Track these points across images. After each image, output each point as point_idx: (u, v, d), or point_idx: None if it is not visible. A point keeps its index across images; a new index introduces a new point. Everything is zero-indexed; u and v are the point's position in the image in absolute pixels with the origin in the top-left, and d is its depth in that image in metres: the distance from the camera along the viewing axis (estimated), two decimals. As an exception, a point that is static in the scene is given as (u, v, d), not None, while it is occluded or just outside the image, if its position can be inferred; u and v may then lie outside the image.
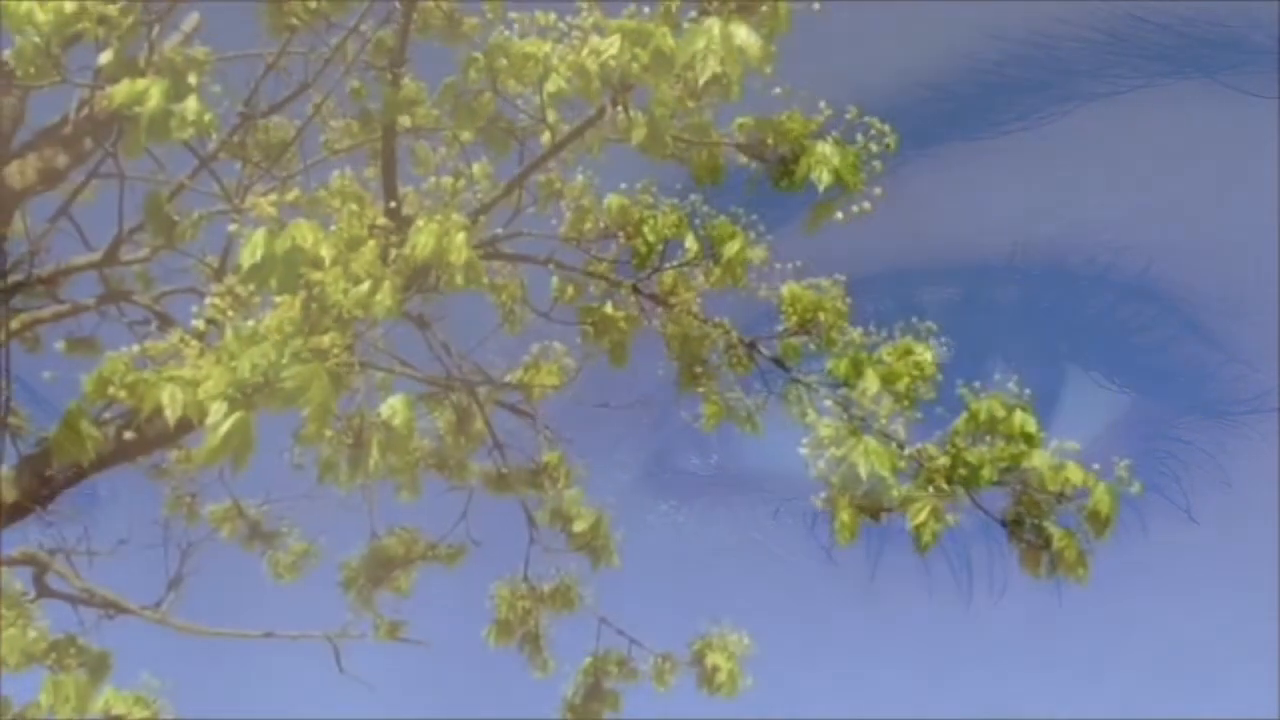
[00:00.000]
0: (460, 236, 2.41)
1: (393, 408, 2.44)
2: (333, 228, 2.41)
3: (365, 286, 2.32)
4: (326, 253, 2.30)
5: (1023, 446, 2.51)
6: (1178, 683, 4.06)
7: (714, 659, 3.17)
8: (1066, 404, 4.17)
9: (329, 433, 2.49)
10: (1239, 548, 4.06)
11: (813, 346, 2.72)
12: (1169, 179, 3.99)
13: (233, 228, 2.40)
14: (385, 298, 2.32)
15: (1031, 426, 2.52)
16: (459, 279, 2.41)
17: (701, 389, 2.80)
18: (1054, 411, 4.10)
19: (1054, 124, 3.91)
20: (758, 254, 2.69)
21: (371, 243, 2.39)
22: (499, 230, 2.79)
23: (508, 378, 3.17)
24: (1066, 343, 4.23)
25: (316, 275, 2.28)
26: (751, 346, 2.78)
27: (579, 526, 3.29)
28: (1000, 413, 2.53)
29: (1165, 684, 4.05)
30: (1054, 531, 2.51)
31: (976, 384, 2.57)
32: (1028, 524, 2.53)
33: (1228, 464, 4.16)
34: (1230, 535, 4.05)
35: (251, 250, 2.27)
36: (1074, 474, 2.49)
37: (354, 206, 2.49)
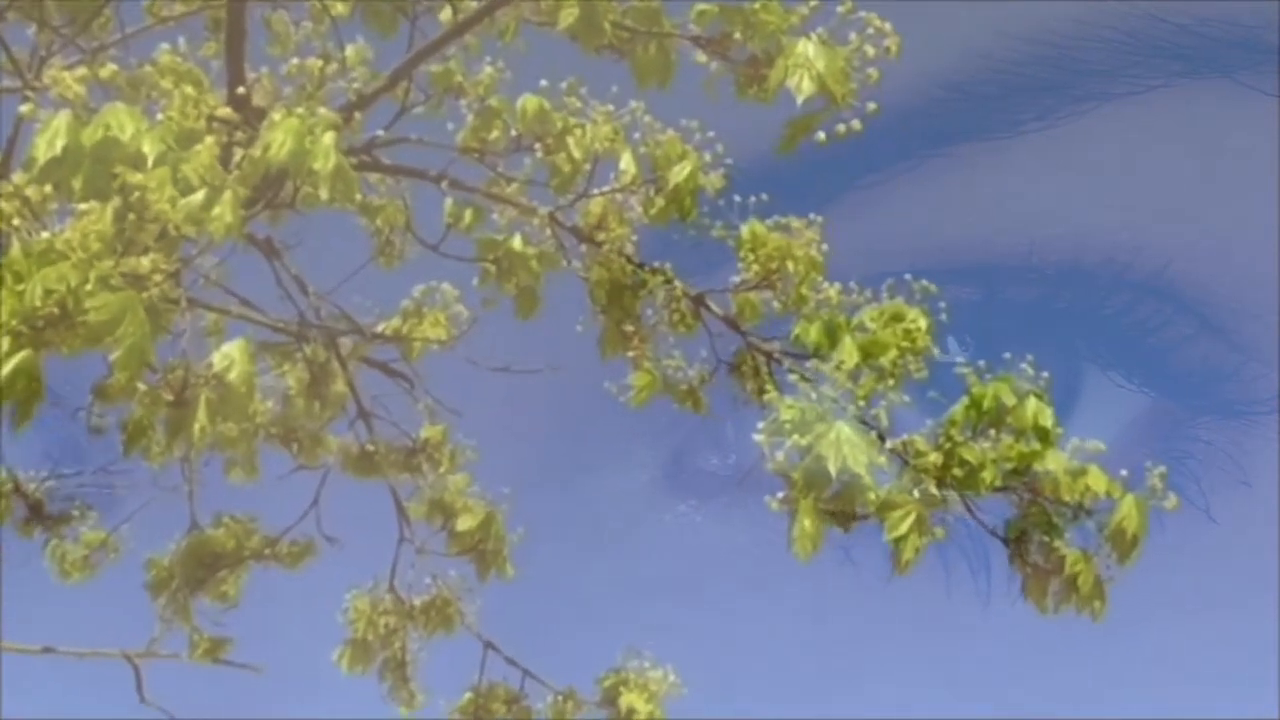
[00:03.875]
0: (327, 138, 2.39)
1: (227, 357, 2.43)
2: (159, 117, 2.39)
3: (199, 196, 2.30)
4: (149, 149, 2.27)
5: (1035, 444, 2.55)
6: (1183, 681, 4.69)
7: (630, 699, 3.21)
8: (1084, 404, 4.76)
9: (142, 386, 2.46)
10: (1249, 546, 4.67)
11: (777, 305, 2.74)
12: (1187, 178, 4.63)
13: (24, 109, 2.36)
14: (225, 213, 2.31)
15: (1047, 419, 2.56)
16: (323, 193, 2.39)
17: (632, 352, 2.80)
18: (1071, 412, 4.65)
19: (1071, 124, 4.55)
20: (713, 182, 2.70)
21: (209, 140, 2.38)
22: (378, 133, 2.77)
23: (380, 327, 3.16)
24: (1084, 342, 4.82)
25: (135, 177, 2.25)
26: (699, 301, 2.78)
27: (464, 523, 3.31)
28: (1009, 400, 2.57)
29: (1171, 682, 4.69)
30: (1067, 553, 2.56)
31: (981, 363, 2.61)
32: (1035, 542, 2.58)
33: (1246, 464, 4.79)
34: (1243, 534, 4.68)
35: (49, 140, 2.24)
36: (1096, 481, 2.54)
37: (188, 90, 2.46)
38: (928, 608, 4.50)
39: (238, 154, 2.44)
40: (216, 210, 2.31)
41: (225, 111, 2.48)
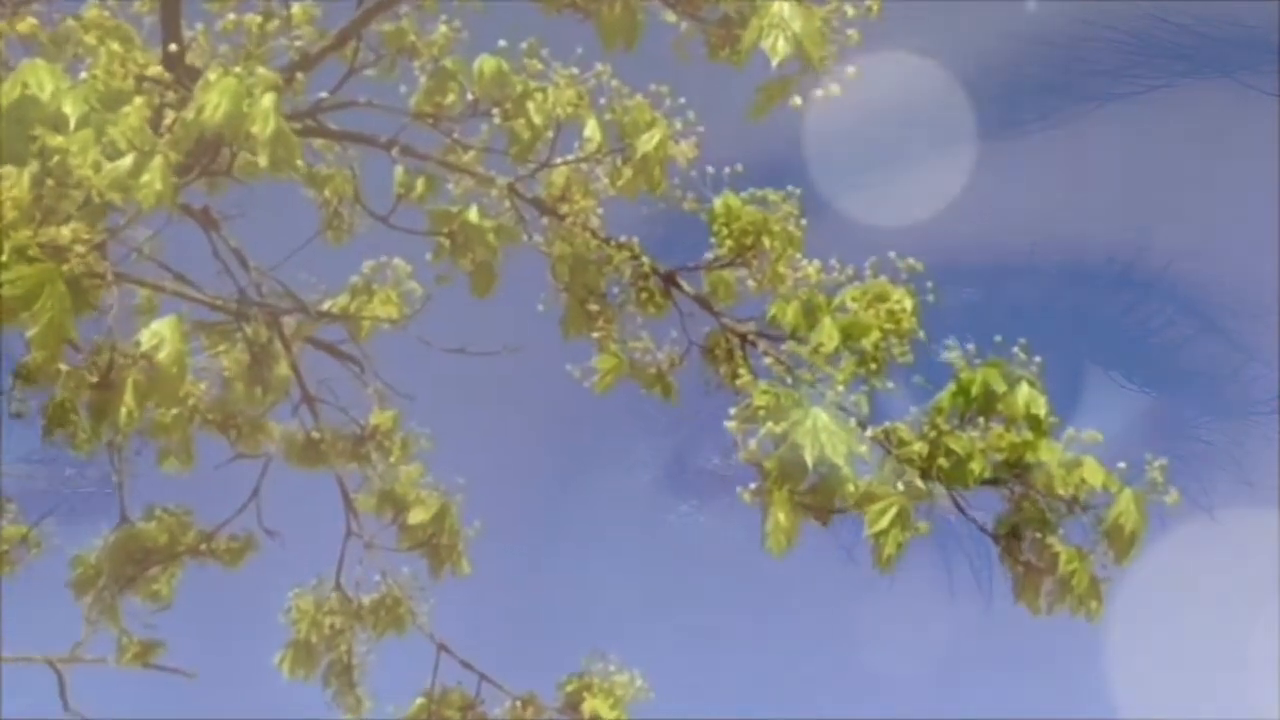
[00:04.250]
0: (266, 100, 2.34)
1: (156, 335, 2.36)
2: (83, 75, 2.34)
3: (127, 161, 2.26)
4: (71, 109, 2.23)
5: (1027, 434, 2.50)
6: (1183, 681, 4.87)
7: (593, 705, 3.18)
8: (1085, 404, 4.99)
9: (64, 366, 2.40)
10: (1250, 546, 4.82)
11: (752, 283, 2.70)
12: (1189, 178, 4.86)
13: (-65, 65, 2.29)
14: (155, 179, 2.26)
15: (1040, 407, 2.51)
16: (262, 159, 2.35)
17: (597, 333, 2.76)
18: (1072, 412, 4.79)
19: (1073, 123, 4.78)
20: (684, 151, 2.65)
21: (139, 100, 2.33)
22: (322, 95, 2.72)
23: (327, 305, 3.11)
24: (1085, 342, 5.04)
25: (55, 140, 2.21)
26: (669, 279, 2.74)
27: (416, 517, 3.26)
28: (999, 387, 2.52)
29: (1171, 682, 4.85)
30: (1061, 550, 2.51)
31: (970, 346, 2.57)
32: (1027, 538, 2.53)
33: (1248, 463, 5.01)
34: (1244, 534, 4.84)
35: (-38, 98, 2.19)
36: (1092, 474, 2.48)
37: (114, 47, 2.41)
38: (931, 606, 4.73)
39: (169, 116, 2.38)
40: (146, 177, 2.26)
41: (156, 70, 2.41)
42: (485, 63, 2.66)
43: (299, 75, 2.60)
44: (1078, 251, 4.95)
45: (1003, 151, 4.75)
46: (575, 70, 2.66)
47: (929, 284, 2.65)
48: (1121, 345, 5.06)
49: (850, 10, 2.47)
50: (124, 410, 2.40)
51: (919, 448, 2.50)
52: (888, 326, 2.58)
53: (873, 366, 2.56)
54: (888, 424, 2.52)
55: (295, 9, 2.67)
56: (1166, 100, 4.72)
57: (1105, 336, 5.06)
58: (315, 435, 3.31)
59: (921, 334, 2.60)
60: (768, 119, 2.58)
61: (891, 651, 4.83)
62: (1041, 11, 4.62)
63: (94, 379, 2.42)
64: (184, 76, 2.46)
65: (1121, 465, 2.51)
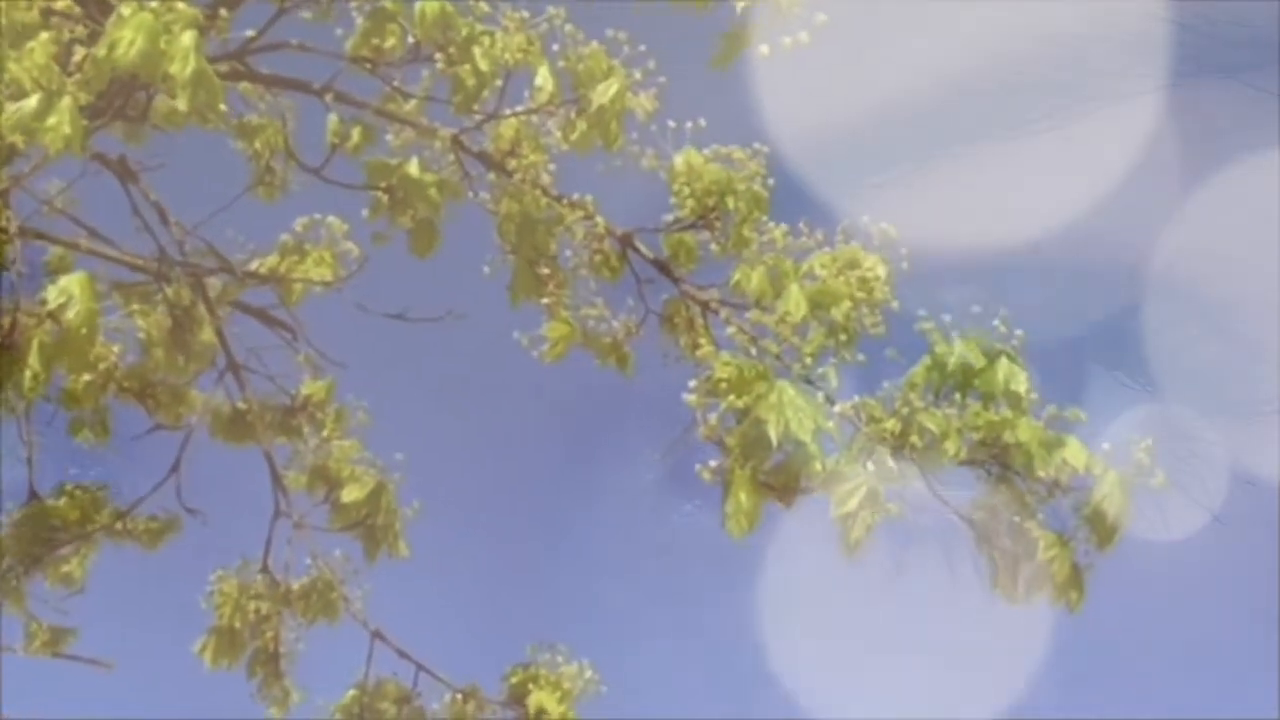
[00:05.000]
0: (186, 37, 2.28)
1: (64, 293, 2.31)
2: None
3: (31, 102, 2.22)
4: None
5: (1006, 412, 2.46)
6: (1183, 680, 5.04)
7: (539, 698, 3.13)
8: (1085, 404, 4.97)
9: (-39, 327, 2.34)
10: (1251, 546, 4.94)
11: (715, 247, 2.66)
12: (1193, 178, 4.97)
13: None
14: (62, 122, 2.22)
15: (1021, 383, 2.48)
16: (182, 103, 2.28)
17: (546, 298, 2.71)
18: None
19: (1078, 123, 4.91)
20: (643, 103, 2.60)
21: (45, 35, 2.28)
22: (249, 34, 2.64)
23: (255, 265, 3.04)
24: (1089, 342, 5.17)
25: None
26: (625, 241, 2.70)
27: (350, 495, 3.19)
28: (977, 361, 2.48)
29: (1171, 682, 5.03)
30: (1040, 536, 2.47)
31: (946, 317, 2.54)
32: (1005, 523, 2.49)
33: (1250, 463, 5.03)
34: (1246, 534, 4.94)
35: None
36: (1075, 455, 2.45)
37: None
38: (932, 603, 4.82)
39: (79, 53, 2.30)
40: (52, 119, 2.21)
41: (64, 3, 2.32)
42: (427, 4, 2.59)
43: (223, 12, 2.53)
44: (1081, 251, 5.06)
45: (1004, 151, 4.87)
46: (526, 14, 2.61)
47: (903, 250, 2.62)
48: (1122, 345, 5.17)
49: (821, -48, 2.43)
50: (29, 374, 2.34)
51: (891, 425, 2.46)
52: (859, 295, 2.55)
53: (842, 338, 2.53)
54: (858, 399, 2.48)
55: (220, -59, 2.60)
56: (1170, 100, 4.84)
57: (1106, 336, 5.18)
58: (242, 406, 3.24)
59: (895, 303, 2.58)
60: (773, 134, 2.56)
61: (894, 651, 4.93)
62: (1047, 11, 4.73)
63: (-4, 340, 2.35)
64: (95, 10, 2.37)
65: (1106, 446, 2.48)
